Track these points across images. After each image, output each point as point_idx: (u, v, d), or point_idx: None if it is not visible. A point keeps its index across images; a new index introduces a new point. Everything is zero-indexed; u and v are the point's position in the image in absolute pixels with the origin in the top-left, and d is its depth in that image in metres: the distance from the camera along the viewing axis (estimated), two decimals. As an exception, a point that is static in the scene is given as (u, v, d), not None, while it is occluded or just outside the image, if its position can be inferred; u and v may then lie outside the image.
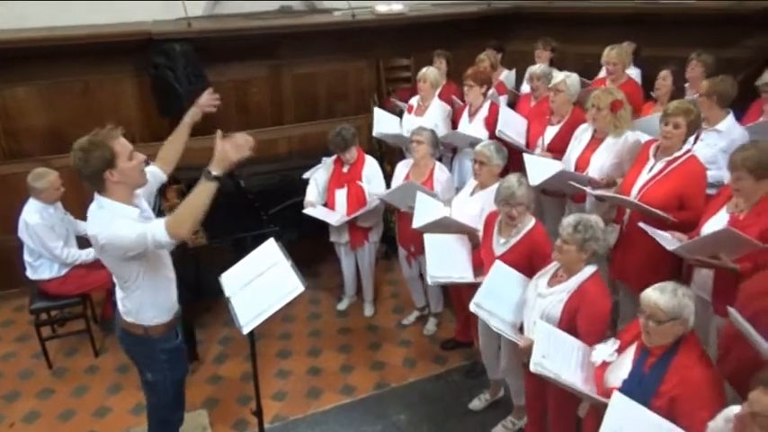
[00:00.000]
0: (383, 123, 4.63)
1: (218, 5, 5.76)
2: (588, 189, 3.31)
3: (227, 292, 2.64)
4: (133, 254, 2.28)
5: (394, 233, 5.18)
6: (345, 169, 4.07)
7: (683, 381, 2.01)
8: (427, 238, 3.23)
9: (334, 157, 4.15)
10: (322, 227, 4.20)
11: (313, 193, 4.15)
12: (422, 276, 4.24)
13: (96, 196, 2.33)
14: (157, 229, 2.18)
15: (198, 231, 3.68)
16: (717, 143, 3.37)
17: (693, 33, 5.32)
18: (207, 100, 2.85)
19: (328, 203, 4.11)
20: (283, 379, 3.89)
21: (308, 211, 4.04)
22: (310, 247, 5.14)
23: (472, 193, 3.52)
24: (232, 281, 2.69)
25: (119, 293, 2.54)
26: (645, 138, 3.39)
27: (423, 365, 3.98)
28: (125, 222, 2.26)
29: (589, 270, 2.52)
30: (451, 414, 3.55)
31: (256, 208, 4.20)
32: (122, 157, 2.25)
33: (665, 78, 4.12)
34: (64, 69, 4.85)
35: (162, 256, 2.52)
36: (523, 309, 2.73)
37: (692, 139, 3.46)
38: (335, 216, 4.00)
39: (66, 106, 4.95)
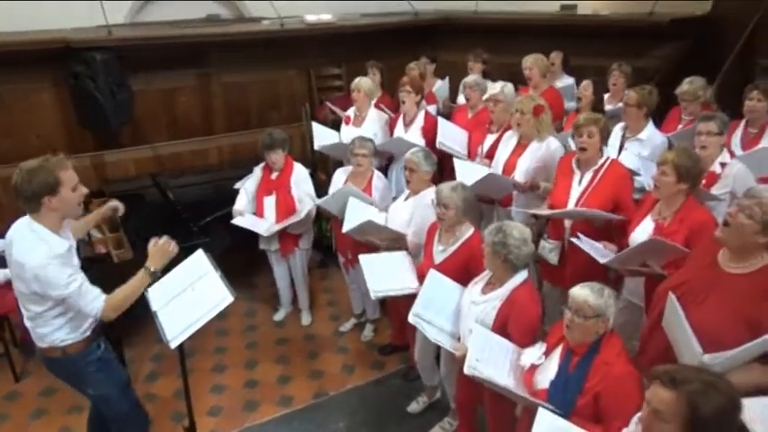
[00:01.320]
0: (322, 137, 4.63)
1: (141, 12, 5.62)
2: (530, 211, 3.39)
3: (154, 307, 2.57)
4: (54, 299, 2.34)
5: (330, 241, 5.21)
6: (274, 176, 4.05)
7: (604, 377, 2.13)
8: (361, 258, 3.26)
9: (262, 164, 4.12)
10: (253, 236, 4.16)
11: (242, 202, 4.09)
12: (360, 286, 4.27)
13: (29, 222, 2.34)
14: (92, 305, 2.38)
15: (123, 245, 3.56)
16: (640, 151, 3.57)
17: (612, 44, 5.63)
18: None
19: (257, 212, 4.07)
20: (218, 394, 3.81)
21: (236, 220, 3.98)
22: (244, 259, 5.09)
23: (406, 198, 3.59)
24: (158, 294, 2.62)
25: (28, 322, 2.46)
26: (567, 143, 3.56)
27: (361, 371, 3.99)
28: (61, 273, 2.28)
29: (520, 277, 2.60)
30: (390, 418, 3.58)
31: (185, 219, 4.10)
32: (66, 187, 2.31)
33: (586, 89, 4.30)
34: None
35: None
36: (459, 317, 2.79)
37: (615, 148, 3.68)
38: (264, 225, 3.96)
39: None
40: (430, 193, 3.23)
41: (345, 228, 3.44)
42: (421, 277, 3.06)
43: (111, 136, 5.00)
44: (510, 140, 3.78)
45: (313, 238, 4.45)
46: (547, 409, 2.07)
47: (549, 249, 3.33)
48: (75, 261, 2.43)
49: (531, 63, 4.60)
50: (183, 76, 5.56)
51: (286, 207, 3.99)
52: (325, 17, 5.77)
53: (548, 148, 3.59)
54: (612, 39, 5.67)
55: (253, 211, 4.09)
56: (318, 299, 4.83)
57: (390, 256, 3.32)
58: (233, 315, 4.66)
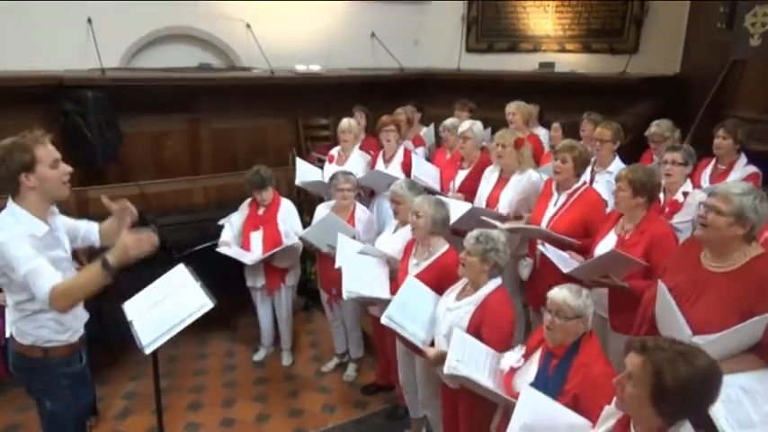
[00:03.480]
0: (305, 173, 4.69)
1: (135, 59, 5.78)
2: (498, 224, 3.48)
3: (130, 317, 2.49)
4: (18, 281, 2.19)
5: (314, 284, 5.16)
6: (261, 211, 4.06)
7: (584, 378, 2.11)
8: (340, 254, 3.24)
9: (248, 200, 4.14)
10: (238, 276, 4.13)
11: (228, 234, 4.09)
12: (344, 323, 4.21)
13: (9, 202, 2.24)
14: (42, 288, 2.12)
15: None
16: (609, 180, 3.69)
17: (586, 101, 5.88)
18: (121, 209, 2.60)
19: (244, 246, 4.05)
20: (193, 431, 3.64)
21: (222, 249, 3.96)
22: (227, 303, 4.99)
23: (395, 231, 3.60)
24: (136, 306, 2.55)
25: (11, 315, 2.34)
26: (546, 176, 3.67)
27: (343, 411, 3.86)
28: (25, 250, 2.14)
29: (493, 283, 2.64)
30: (373, 457, 3.44)
31: (168, 248, 4.06)
32: (43, 164, 2.19)
33: (556, 130, 4.76)
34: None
35: (65, 270, 2.35)
36: (434, 325, 2.77)
37: (587, 179, 3.81)
38: (251, 255, 3.94)
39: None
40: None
41: (339, 262, 3.40)
42: (395, 290, 3.05)
43: (97, 173, 5.01)
44: (492, 175, 3.87)
45: (298, 279, 4.41)
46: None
47: (524, 266, 3.45)
48: (55, 251, 2.30)
49: (514, 108, 4.79)
50: (172, 121, 5.66)
51: (273, 242, 3.98)
52: (315, 67, 5.98)
53: (529, 179, 3.70)
54: (587, 96, 5.93)
55: (239, 246, 4.07)
56: (301, 340, 4.73)
57: (371, 261, 3.30)
58: (212, 355, 4.53)
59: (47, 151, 2.20)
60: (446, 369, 2.26)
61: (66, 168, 2.28)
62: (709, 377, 1.51)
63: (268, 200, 4.04)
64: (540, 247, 3.10)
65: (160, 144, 5.59)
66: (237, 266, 4.12)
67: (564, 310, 2.17)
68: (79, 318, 2.45)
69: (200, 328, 4.78)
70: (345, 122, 4.68)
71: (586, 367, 2.13)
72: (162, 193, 5.06)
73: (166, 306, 2.43)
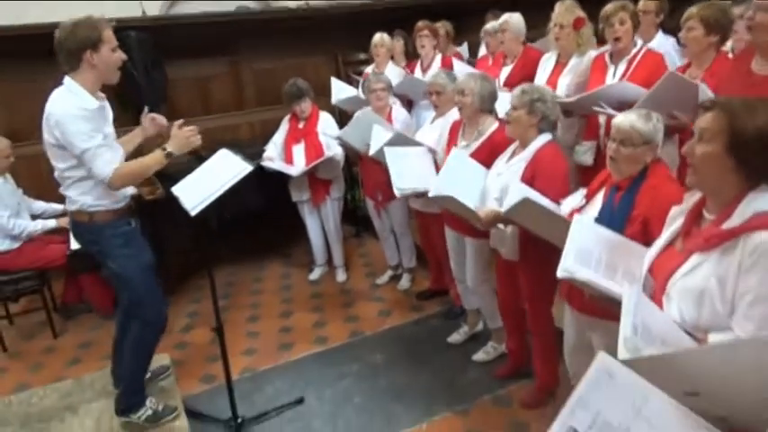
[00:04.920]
0: (339, 91, 4.64)
1: (174, 6, 5.87)
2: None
3: (176, 193, 2.52)
4: (74, 153, 2.33)
5: (364, 211, 5.14)
6: (301, 125, 4.05)
7: (653, 201, 1.89)
8: (387, 150, 3.15)
9: (287, 116, 4.14)
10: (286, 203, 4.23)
11: (272, 151, 4.11)
12: (394, 232, 4.17)
13: (66, 79, 2.36)
14: (103, 169, 2.32)
15: (154, 182, 3.58)
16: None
17: None
18: (154, 123, 2.77)
19: (287, 160, 4.06)
20: (253, 339, 3.71)
21: (266, 163, 3.97)
22: (279, 233, 5.07)
23: (432, 122, 3.51)
24: (182, 186, 2.57)
25: (63, 189, 2.46)
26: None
27: (399, 315, 3.84)
28: (83, 127, 2.28)
29: (543, 138, 2.49)
30: (430, 350, 3.39)
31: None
32: (107, 46, 2.33)
33: None
34: (13, 67, 4.81)
35: (115, 148, 2.46)
36: (484, 198, 2.65)
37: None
38: (295, 168, 3.94)
39: (21, 105, 4.89)
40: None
41: (372, 150, 3.34)
42: None
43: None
44: (548, 61, 3.62)
45: (344, 207, 4.42)
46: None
47: (583, 152, 3.17)
48: (105, 126, 2.43)
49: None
50: (215, 64, 5.72)
51: (315, 153, 3.97)
52: (349, -3, 5.88)
53: (589, 61, 3.45)
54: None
55: (282, 160, 4.09)
56: (354, 261, 4.74)
57: (417, 153, 3.20)
58: (268, 278, 4.61)
59: (110, 35, 2.35)
60: (510, 205, 2.14)
61: (122, 56, 2.42)
62: None
63: (307, 111, 4.02)
64: (595, 108, 2.76)
65: (205, 88, 5.67)
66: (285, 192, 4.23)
67: (631, 137, 1.94)
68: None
69: (257, 256, 4.95)
70: (378, 36, 4.57)
71: (656, 190, 1.90)
72: (209, 129, 5.12)
73: (209, 177, 2.44)
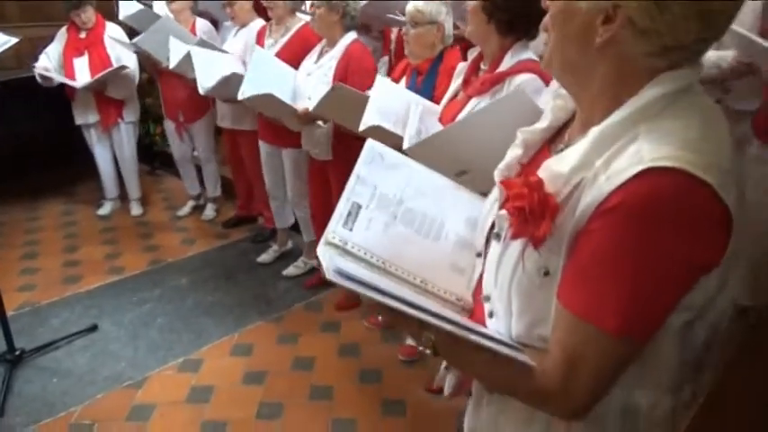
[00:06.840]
0: (128, 6, 4.10)
1: None
2: None
3: None
4: None
5: (160, 146, 4.77)
6: (83, 35, 3.57)
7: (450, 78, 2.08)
8: (193, 51, 2.90)
9: (64, 27, 3.62)
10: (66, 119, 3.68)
11: (45, 61, 3.53)
12: (195, 159, 3.93)
13: None
14: None
15: None
16: None
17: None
18: None
19: (67, 75, 3.54)
20: (30, 274, 3.24)
21: (41, 71, 3.40)
22: (58, 167, 4.46)
23: (235, 35, 3.33)
24: None
25: None
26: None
27: (204, 242, 3.65)
28: None
29: (350, 36, 2.54)
30: (239, 270, 3.30)
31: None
32: None
33: None
34: None
35: None
36: (295, 98, 2.63)
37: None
38: (78, 82, 3.47)
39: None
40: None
41: (173, 63, 3.06)
42: None
43: None
44: None
45: (140, 140, 4.02)
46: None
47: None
48: None
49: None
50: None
51: (102, 67, 3.52)
52: None
53: None
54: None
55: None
56: (152, 197, 4.34)
57: (223, 56, 3.02)
58: (45, 217, 4.04)
59: None
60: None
61: None
62: None
63: (90, 22, 3.54)
64: None
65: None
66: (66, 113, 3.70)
67: (415, 18, 2.11)
68: None
69: (28, 196, 4.26)
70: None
71: (453, 69, 2.01)
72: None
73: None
